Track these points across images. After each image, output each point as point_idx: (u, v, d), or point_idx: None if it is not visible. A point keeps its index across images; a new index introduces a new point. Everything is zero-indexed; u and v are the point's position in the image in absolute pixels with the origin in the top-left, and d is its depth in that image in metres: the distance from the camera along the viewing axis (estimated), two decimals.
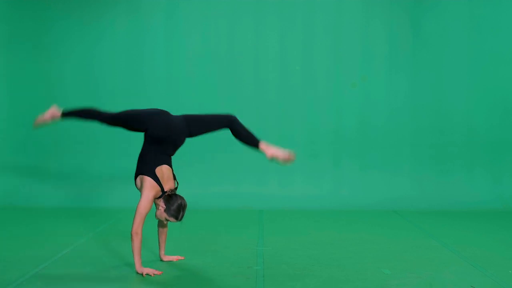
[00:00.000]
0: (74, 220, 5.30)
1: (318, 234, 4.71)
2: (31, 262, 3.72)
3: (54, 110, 3.67)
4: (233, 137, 6.43)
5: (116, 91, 6.38)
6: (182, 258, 3.80)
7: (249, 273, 3.55)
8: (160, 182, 3.40)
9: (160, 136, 3.46)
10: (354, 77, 6.41)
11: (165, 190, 3.42)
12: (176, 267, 3.66)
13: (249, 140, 3.56)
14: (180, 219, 3.40)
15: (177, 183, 3.53)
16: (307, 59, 6.41)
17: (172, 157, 6.65)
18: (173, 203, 3.36)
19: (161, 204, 3.39)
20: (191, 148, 6.36)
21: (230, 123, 3.61)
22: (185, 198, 3.48)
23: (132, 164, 6.34)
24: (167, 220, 3.41)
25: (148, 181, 3.39)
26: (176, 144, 3.55)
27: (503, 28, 6.38)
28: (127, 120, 3.58)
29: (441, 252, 4.13)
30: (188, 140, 6.42)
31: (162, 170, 3.45)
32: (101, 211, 5.81)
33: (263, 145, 3.54)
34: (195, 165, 6.35)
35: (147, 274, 3.33)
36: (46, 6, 6.35)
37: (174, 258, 3.80)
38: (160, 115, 3.56)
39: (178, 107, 6.37)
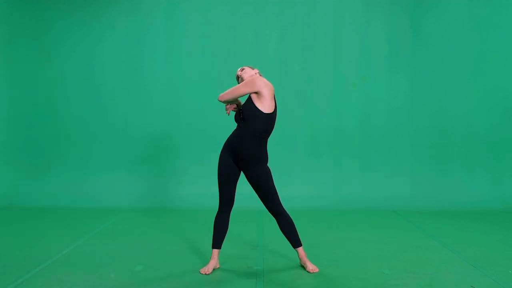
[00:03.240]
0: (74, 220, 5.30)
1: (318, 234, 4.71)
2: (31, 262, 3.73)
3: None
4: None
5: (116, 91, 6.38)
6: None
7: (249, 273, 3.55)
8: None
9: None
10: (354, 77, 6.41)
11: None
12: (176, 267, 3.66)
13: (291, 237, 3.65)
14: None
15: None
16: (307, 59, 6.41)
17: (172, 156, 6.66)
18: None
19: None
20: (191, 148, 6.38)
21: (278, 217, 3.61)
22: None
23: (131, 164, 6.36)
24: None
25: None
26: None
27: (503, 28, 6.38)
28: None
29: (441, 252, 4.13)
30: (187, 140, 6.45)
31: None
32: (101, 211, 5.81)
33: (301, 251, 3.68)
34: (195, 165, 6.34)
35: None
36: (46, 6, 6.36)
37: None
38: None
39: (178, 107, 6.39)
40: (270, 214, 3.64)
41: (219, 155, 3.58)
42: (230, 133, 3.59)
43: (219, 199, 3.59)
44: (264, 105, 3.41)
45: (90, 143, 6.40)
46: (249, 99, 3.46)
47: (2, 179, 6.37)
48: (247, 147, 3.44)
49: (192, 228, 4.98)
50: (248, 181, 3.54)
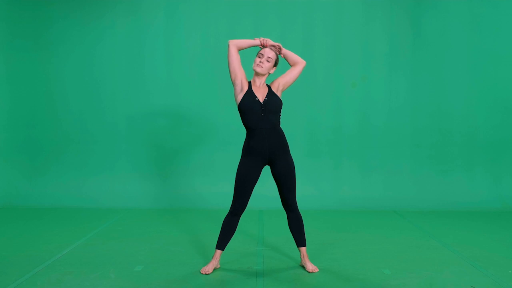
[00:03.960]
0: (74, 220, 5.30)
1: (318, 234, 4.71)
2: (31, 262, 3.73)
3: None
4: (231, 137, 6.48)
5: (116, 91, 6.38)
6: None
7: (249, 273, 3.55)
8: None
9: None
10: (354, 77, 6.41)
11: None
12: (176, 267, 3.67)
13: (297, 235, 3.68)
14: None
15: None
16: (307, 59, 6.37)
17: (172, 156, 6.65)
18: None
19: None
20: (191, 148, 6.38)
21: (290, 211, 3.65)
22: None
23: (131, 164, 6.36)
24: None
25: None
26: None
27: (503, 28, 6.38)
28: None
29: (441, 252, 4.13)
30: (187, 140, 6.45)
31: None
32: (101, 211, 5.81)
33: (304, 251, 3.71)
34: (195, 165, 6.35)
35: None
36: (46, 6, 6.35)
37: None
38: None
39: (178, 107, 6.40)
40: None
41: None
42: (246, 138, 3.53)
43: (235, 203, 3.53)
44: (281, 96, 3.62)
45: (90, 143, 6.39)
46: (273, 93, 3.52)
47: (2, 179, 6.37)
48: (279, 136, 3.48)
49: (192, 228, 4.98)
50: (278, 174, 3.52)
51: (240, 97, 3.51)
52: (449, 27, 6.38)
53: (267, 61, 3.56)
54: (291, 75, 3.62)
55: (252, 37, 6.35)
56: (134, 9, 6.37)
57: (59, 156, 6.40)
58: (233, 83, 3.56)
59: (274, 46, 3.61)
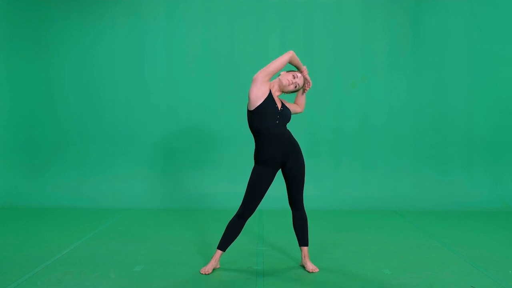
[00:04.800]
0: (74, 220, 5.30)
1: (318, 234, 4.71)
2: (31, 262, 3.73)
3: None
4: (231, 138, 6.48)
5: (116, 91, 6.38)
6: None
7: (249, 273, 3.56)
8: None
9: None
10: (354, 77, 6.41)
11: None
12: (176, 267, 3.67)
13: (300, 234, 3.71)
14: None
15: None
16: (307, 59, 6.40)
17: (171, 156, 6.66)
18: None
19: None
20: (191, 149, 6.38)
21: (296, 209, 3.68)
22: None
23: (131, 164, 6.36)
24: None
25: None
26: None
27: (503, 28, 6.38)
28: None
29: (441, 252, 4.13)
30: (187, 141, 6.45)
31: None
32: (101, 211, 5.81)
33: (305, 250, 3.72)
34: (195, 165, 6.35)
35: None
36: (46, 6, 6.35)
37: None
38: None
39: (178, 107, 6.39)
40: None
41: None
42: (257, 146, 3.52)
43: (244, 207, 3.53)
44: None
45: (90, 143, 6.39)
46: (285, 105, 3.64)
47: (2, 179, 6.37)
48: (289, 141, 3.59)
49: (192, 228, 4.98)
50: (288, 173, 3.57)
51: (261, 99, 3.46)
52: (449, 27, 6.38)
53: (295, 86, 3.63)
54: (293, 108, 3.81)
55: (253, 38, 6.37)
56: (134, 9, 6.37)
57: (59, 156, 6.40)
58: (259, 81, 3.45)
59: (308, 81, 3.72)
